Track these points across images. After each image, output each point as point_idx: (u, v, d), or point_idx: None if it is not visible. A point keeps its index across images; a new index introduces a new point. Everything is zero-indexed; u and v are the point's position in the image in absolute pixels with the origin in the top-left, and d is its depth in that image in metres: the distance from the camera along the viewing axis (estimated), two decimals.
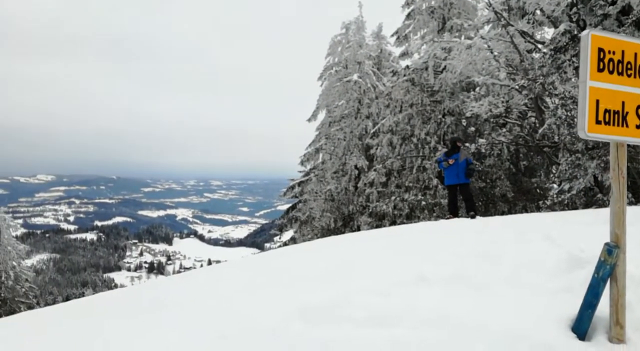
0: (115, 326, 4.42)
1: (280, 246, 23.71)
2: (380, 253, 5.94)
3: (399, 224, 14.55)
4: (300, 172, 24.63)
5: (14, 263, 23.29)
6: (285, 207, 26.03)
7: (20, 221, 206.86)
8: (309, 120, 23.86)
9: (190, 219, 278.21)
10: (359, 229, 17.83)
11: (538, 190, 14.79)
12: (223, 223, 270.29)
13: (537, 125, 13.07)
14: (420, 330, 2.99)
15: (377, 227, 16.42)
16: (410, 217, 16.28)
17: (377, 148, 18.48)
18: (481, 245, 5.17)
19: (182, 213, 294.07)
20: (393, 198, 16.94)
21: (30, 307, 23.12)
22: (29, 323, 6.71)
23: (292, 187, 24.20)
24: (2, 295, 22.65)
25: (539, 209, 13.16)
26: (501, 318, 2.98)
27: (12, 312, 22.21)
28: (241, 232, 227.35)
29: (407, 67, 17.50)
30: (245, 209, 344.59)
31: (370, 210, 18.11)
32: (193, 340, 3.42)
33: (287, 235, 25.24)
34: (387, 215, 17.05)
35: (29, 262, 24.80)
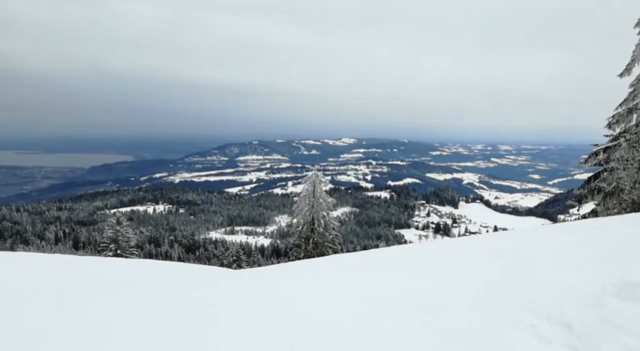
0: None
1: (577, 219, 21.26)
2: None
3: None
4: (606, 136, 21.25)
5: (324, 213, 27.32)
6: (585, 175, 22.90)
7: (329, 178, 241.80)
8: (621, 75, 20.11)
9: (477, 184, 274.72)
10: None
11: None
12: (511, 190, 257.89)
13: None
14: None
15: None
16: None
17: None
18: None
19: (468, 177, 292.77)
20: None
21: (335, 251, 26.97)
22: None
23: (596, 153, 21.10)
24: (315, 239, 27.02)
25: None
26: None
27: (322, 254, 26.36)
28: (531, 201, 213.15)
29: None
30: (536, 176, 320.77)
31: None
32: None
33: (587, 207, 22.33)
34: None
35: (334, 214, 28.56)
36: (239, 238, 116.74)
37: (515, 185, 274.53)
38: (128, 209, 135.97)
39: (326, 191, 28.24)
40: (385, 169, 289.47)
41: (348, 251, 48.74)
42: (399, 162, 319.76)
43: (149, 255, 71.34)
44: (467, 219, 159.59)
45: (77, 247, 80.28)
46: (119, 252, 29.45)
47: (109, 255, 28.32)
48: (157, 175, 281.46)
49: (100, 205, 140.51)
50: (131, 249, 30.76)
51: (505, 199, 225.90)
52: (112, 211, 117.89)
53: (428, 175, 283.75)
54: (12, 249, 65.11)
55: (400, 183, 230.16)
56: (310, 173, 27.56)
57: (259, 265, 59.45)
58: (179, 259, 74.56)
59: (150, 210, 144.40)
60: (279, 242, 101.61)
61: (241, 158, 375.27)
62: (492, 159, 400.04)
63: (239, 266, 33.52)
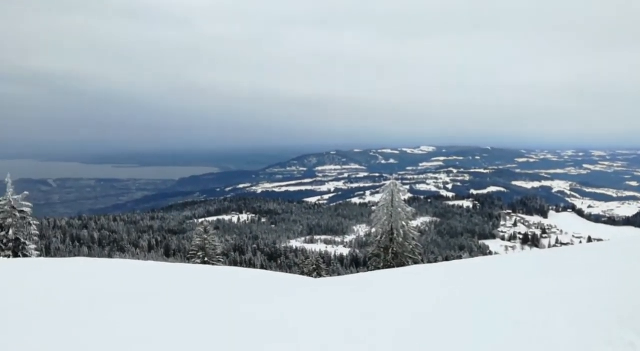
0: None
1: None
2: None
3: None
4: None
5: (403, 223, 26.92)
6: None
7: (407, 187, 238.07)
8: None
9: (568, 192, 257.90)
10: None
11: None
12: (606, 198, 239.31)
13: None
14: None
15: None
16: None
17: None
18: None
19: (558, 185, 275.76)
20: None
21: (415, 262, 26.43)
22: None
23: None
24: (395, 249, 26.67)
25: None
26: None
27: (402, 264, 25.94)
28: (628, 210, 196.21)
29: None
30: (634, 183, 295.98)
31: None
32: None
33: None
34: None
35: (414, 223, 28.01)
36: (319, 247, 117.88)
37: (611, 192, 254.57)
38: (214, 218, 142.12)
39: (405, 200, 27.85)
40: (467, 177, 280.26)
41: (429, 262, 47.52)
42: (481, 170, 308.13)
43: (234, 263, 73.98)
44: (557, 229, 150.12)
45: (168, 254, 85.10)
46: (206, 259, 30.82)
47: (197, 263, 29.72)
48: (241, 186, 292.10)
49: (189, 214, 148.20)
50: (217, 257, 32.08)
51: (599, 208, 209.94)
52: (200, 220, 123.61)
53: (514, 183, 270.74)
54: (109, 256, 70.33)
55: (484, 192, 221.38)
56: (388, 183, 27.35)
57: (339, 274, 59.59)
58: (262, 267, 76.60)
59: (234, 219, 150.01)
60: (357, 251, 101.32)
61: (319, 168, 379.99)
62: (585, 166, 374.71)
63: (319, 275, 33.82)
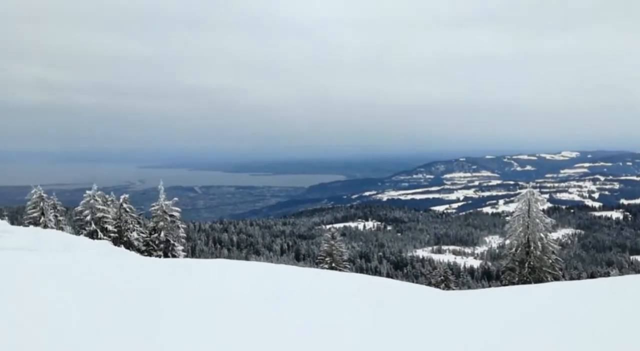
0: None
1: None
2: None
3: None
4: None
5: (541, 234, 25.02)
6: None
7: (546, 196, 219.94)
8: None
9: None
10: None
11: None
12: None
13: None
14: None
15: None
16: None
17: None
18: None
19: None
20: None
21: (555, 278, 24.36)
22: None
23: None
24: (532, 263, 24.87)
25: None
26: None
27: (539, 280, 24.09)
28: None
29: None
30: None
31: None
32: None
33: None
34: None
35: (554, 235, 25.93)
36: (447, 257, 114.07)
37: None
38: (341, 225, 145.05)
39: (543, 210, 26.01)
40: (616, 186, 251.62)
41: (571, 278, 43.49)
42: (634, 177, 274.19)
43: (360, 270, 74.72)
44: None
45: (299, 258, 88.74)
46: (333, 265, 31.60)
47: (324, 268, 30.62)
48: (367, 193, 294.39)
49: (317, 221, 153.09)
50: (344, 263, 32.71)
51: None
52: (328, 226, 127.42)
53: None
54: (246, 258, 75.29)
55: (637, 201, 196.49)
56: (524, 191, 25.80)
57: (468, 287, 57.08)
58: (387, 275, 76.28)
59: (360, 226, 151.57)
60: (489, 263, 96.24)
61: (447, 175, 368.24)
62: None
63: (447, 287, 32.76)
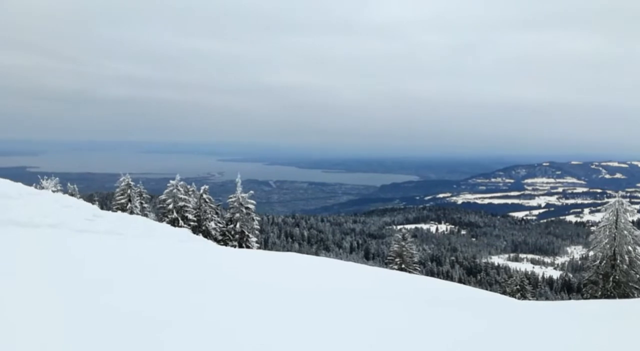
0: None
1: None
2: None
3: None
4: None
5: (629, 248, 23.35)
6: None
7: (637, 206, 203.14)
8: None
9: None
10: None
11: None
12: None
13: None
14: None
15: None
16: None
17: None
18: None
19: None
20: None
21: None
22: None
23: None
24: (617, 277, 23.27)
25: None
26: None
27: (625, 295, 22.51)
28: None
29: None
30: None
31: None
32: None
33: None
34: None
35: None
36: (524, 266, 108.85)
37: None
38: (412, 226, 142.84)
39: (633, 222, 24.25)
40: None
41: None
42: None
43: (430, 273, 73.26)
44: None
45: (368, 257, 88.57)
46: (403, 266, 31.33)
47: (394, 268, 30.43)
48: (441, 195, 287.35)
49: (388, 220, 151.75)
50: (414, 265, 32.33)
51: None
52: (399, 227, 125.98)
53: None
54: (316, 253, 76.26)
55: None
56: (612, 201, 24.21)
57: (546, 299, 54.27)
58: (460, 280, 74.18)
59: (432, 229, 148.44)
60: (570, 275, 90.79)
61: (529, 180, 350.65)
62: None
63: (523, 297, 31.42)
